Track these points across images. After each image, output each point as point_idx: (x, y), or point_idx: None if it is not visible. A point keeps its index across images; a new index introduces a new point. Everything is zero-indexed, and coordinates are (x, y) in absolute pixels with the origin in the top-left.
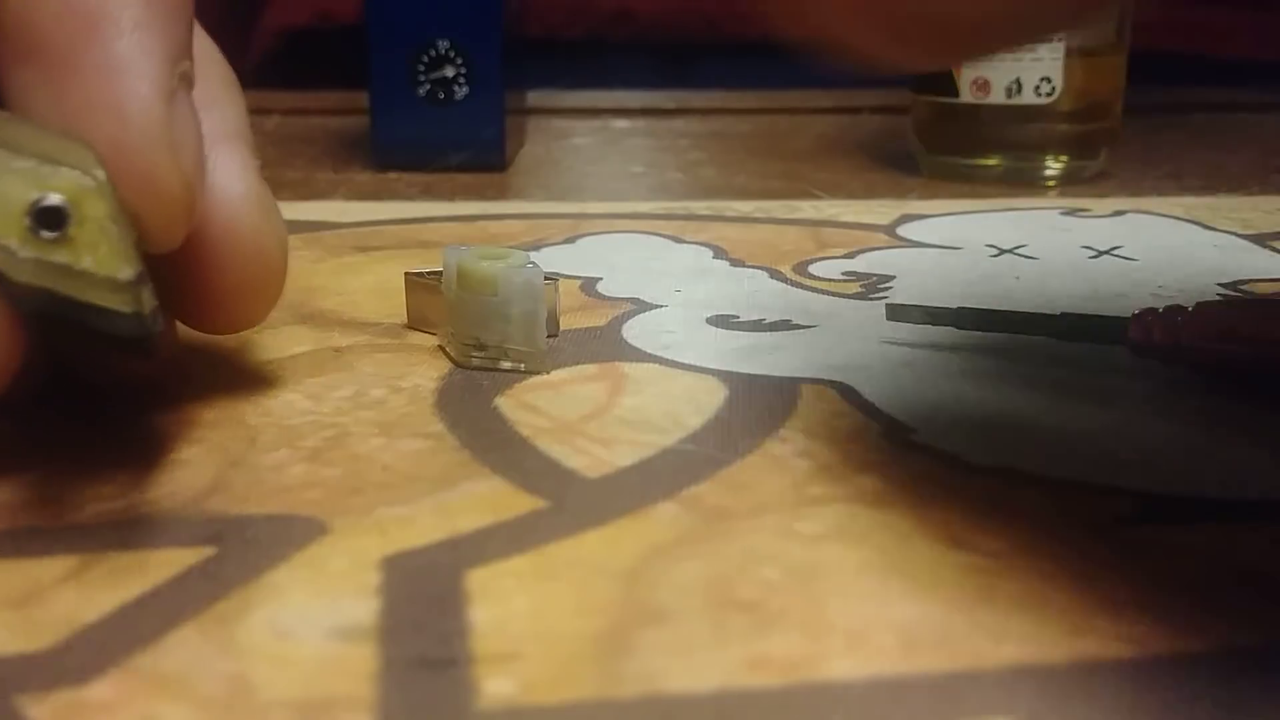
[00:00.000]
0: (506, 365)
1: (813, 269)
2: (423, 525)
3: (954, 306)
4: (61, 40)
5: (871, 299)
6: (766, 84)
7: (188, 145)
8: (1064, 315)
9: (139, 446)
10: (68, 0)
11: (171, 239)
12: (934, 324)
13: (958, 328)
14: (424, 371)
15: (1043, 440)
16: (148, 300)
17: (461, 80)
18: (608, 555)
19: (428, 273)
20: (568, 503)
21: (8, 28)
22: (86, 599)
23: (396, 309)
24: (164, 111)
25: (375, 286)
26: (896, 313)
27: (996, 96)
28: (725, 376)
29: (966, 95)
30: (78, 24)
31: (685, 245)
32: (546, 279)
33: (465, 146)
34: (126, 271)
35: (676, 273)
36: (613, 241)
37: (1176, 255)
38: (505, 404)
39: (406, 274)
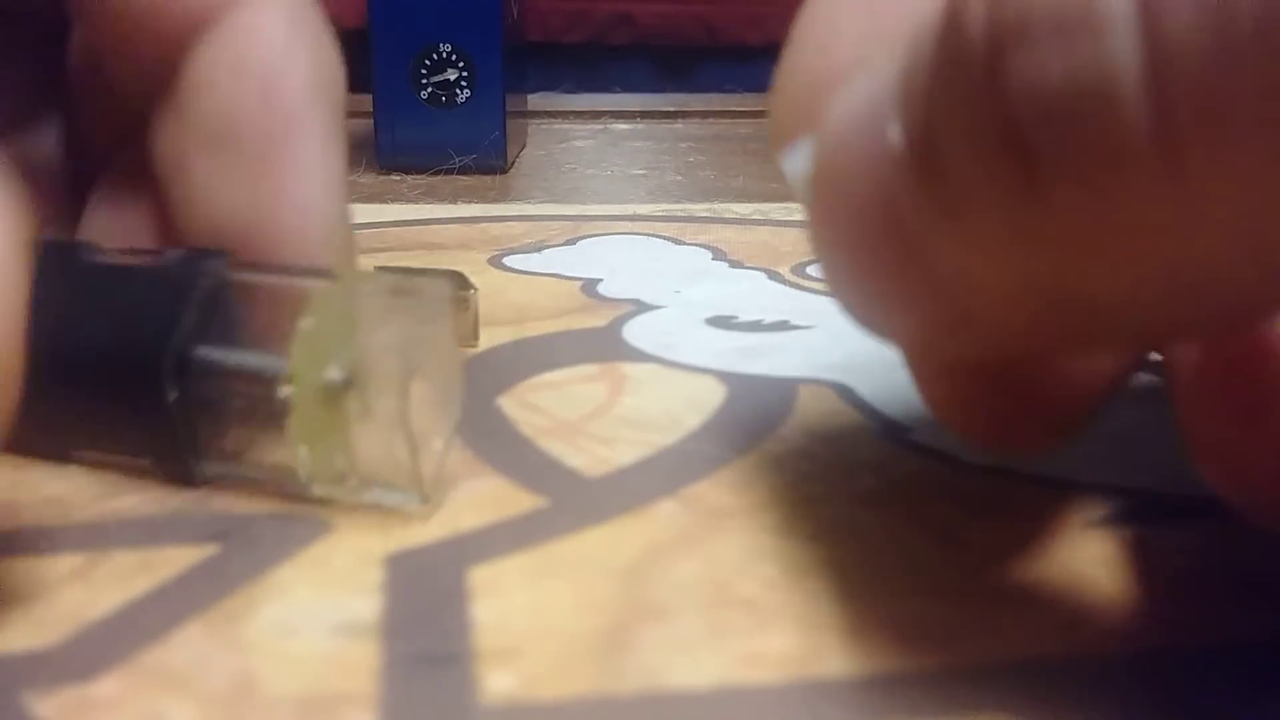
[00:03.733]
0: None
1: (811, 270)
2: (425, 523)
3: None
4: (260, 135)
5: None
6: (766, 87)
7: (350, 244)
8: None
9: None
10: (269, 99)
11: None
12: None
13: None
14: None
15: None
16: None
17: (463, 83)
18: (608, 553)
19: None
20: (568, 501)
21: (201, 115)
22: (92, 596)
23: None
24: (342, 213)
25: None
26: None
27: None
28: (724, 376)
29: None
30: (278, 123)
31: (685, 247)
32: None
33: (467, 149)
34: None
35: (676, 274)
36: (613, 243)
37: None
38: (507, 403)
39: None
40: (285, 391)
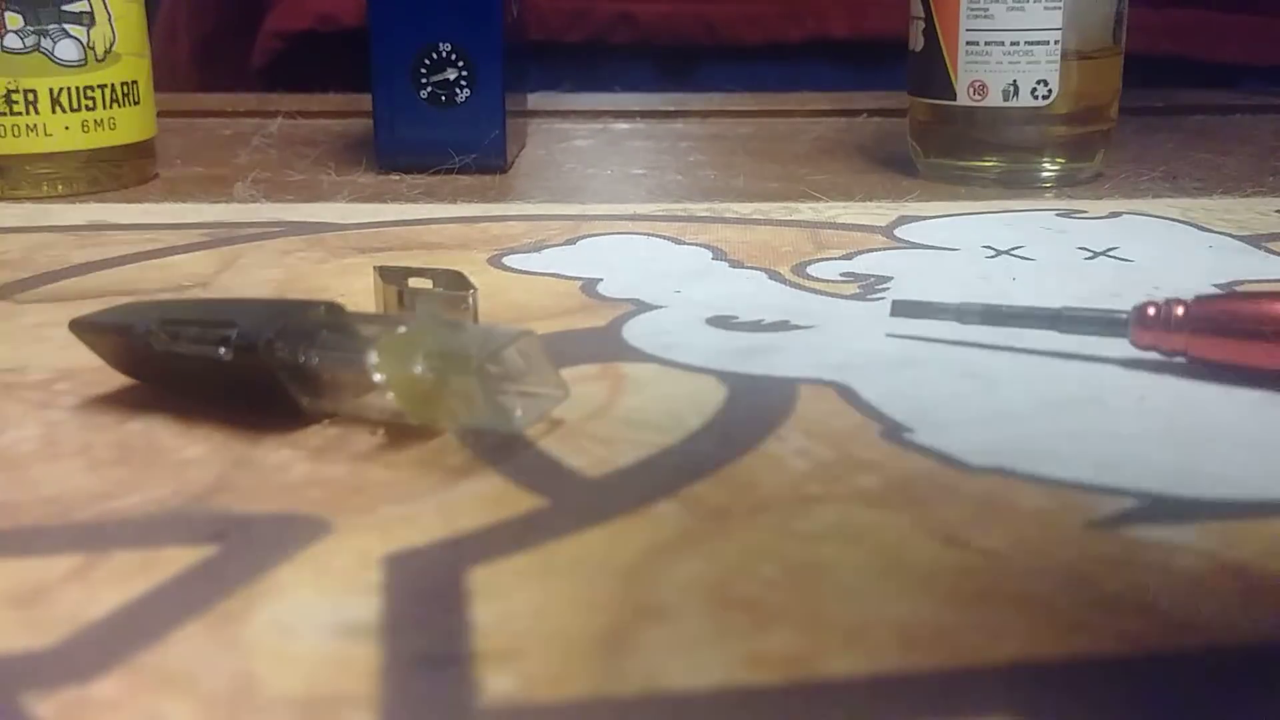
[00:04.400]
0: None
1: (811, 270)
2: (425, 524)
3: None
4: None
5: (869, 300)
6: (766, 87)
7: None
8: (1065, 309)
9: (143, 445)
10: None
11: None
12: (938, 319)
13: (960, 322)
14: None
15: (1039, 439)
16: None
17: (463, 83)
18: (608, 553)
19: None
20: (569, 502)
21: None
22: (91, 597)
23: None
24: None
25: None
26: (901, 308)
27: (994, 99)
28: (725, 376)
29: (964, 98)
30: None
31: (685, 246)
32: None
33: (467, 148)
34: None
35: (676, 274)
36: (613, 243)
37: (1172, 256)
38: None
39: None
40: (379, 377)
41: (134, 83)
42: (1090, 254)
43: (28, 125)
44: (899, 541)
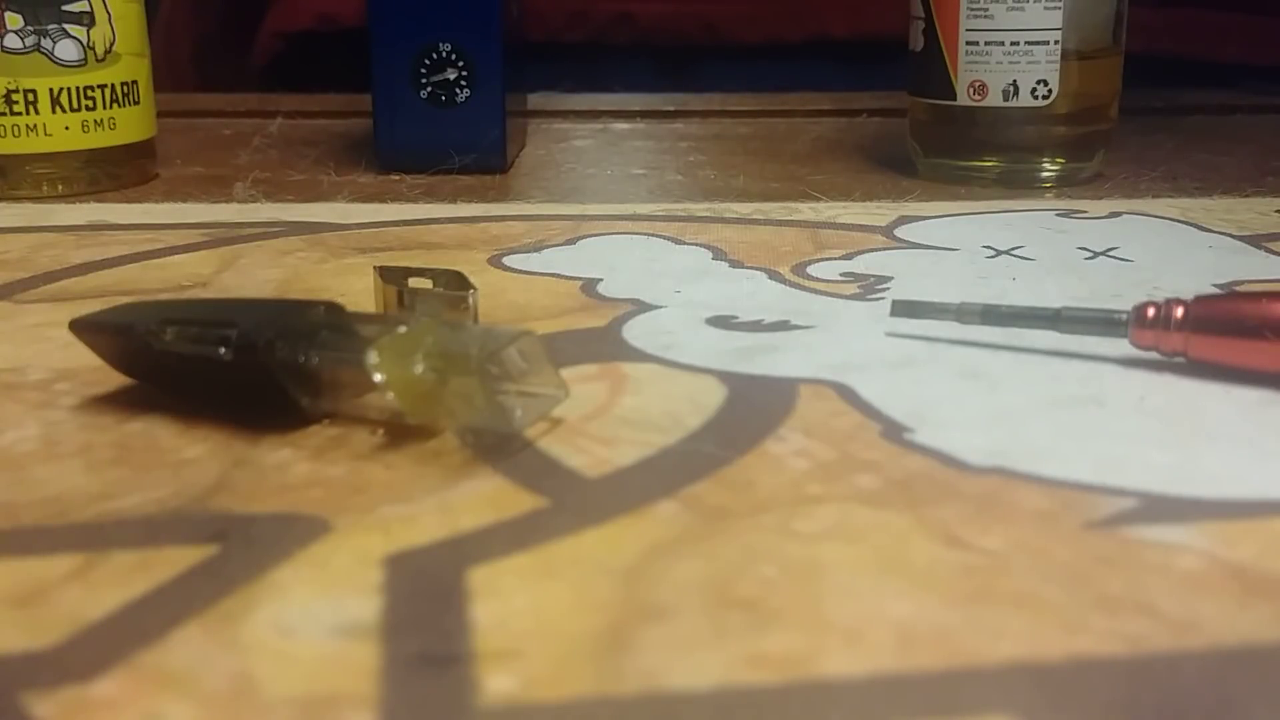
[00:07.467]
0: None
1: (811, 270)
2: (425, 524)
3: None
4: None
5: (869, 300)
6: (765, 87)
7: None
8: (1065, 309)
9: (143, 446)
10: None
11: None
12: (938, 319)
13: (960, 322)
14: None
15: (1039, 439)
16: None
17: (463, 83)
18: (608, 553)
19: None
20: (568, 501)
21: None
22: (91, 597)
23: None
24: None
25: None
26: (900, 308)
27: (993, 99)
28: (724, 376)
29: (964, 98)
30: None
31: (685, 246)
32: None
33: (467, 148)
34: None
35: (676, 274)
36: (613, 243)
37: (1172, 256)
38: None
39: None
40: (379, 377)
41: (134, 83)
42: (1090, 254)
43: (28, 125)
44: (898, 541)
